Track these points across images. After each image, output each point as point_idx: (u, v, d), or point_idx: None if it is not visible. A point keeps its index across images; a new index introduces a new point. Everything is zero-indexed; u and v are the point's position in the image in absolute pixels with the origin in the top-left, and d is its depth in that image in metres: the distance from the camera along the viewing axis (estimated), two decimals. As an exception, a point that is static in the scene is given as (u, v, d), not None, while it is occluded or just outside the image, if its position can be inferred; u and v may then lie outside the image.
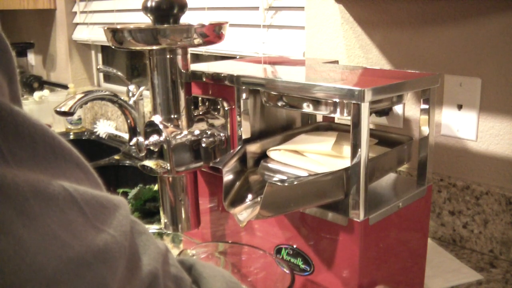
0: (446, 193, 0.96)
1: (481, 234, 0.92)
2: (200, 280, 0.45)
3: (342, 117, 0.67)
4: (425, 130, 0.73)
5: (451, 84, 0.94)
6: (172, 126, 0.75)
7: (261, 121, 0.78)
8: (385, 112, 0.99)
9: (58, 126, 1.90)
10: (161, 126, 0.74)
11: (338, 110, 0.65)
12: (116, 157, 1.59)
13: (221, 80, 0.75)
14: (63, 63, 2.17)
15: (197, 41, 0.73)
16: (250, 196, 0.70)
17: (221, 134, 0.77)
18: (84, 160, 0.34)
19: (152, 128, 0.74)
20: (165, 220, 0.80)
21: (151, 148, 0.74)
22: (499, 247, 0.90)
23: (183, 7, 0.73)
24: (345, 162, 0.67)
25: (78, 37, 2.08)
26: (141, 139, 0.74)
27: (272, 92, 0.72)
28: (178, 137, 0.74)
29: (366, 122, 0.60)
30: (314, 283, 0.69)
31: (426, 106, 0.72)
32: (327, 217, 0.66)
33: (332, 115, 0.67)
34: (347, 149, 0.69)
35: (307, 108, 0.69)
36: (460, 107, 0.94)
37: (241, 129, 0.74)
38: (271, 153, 0.74)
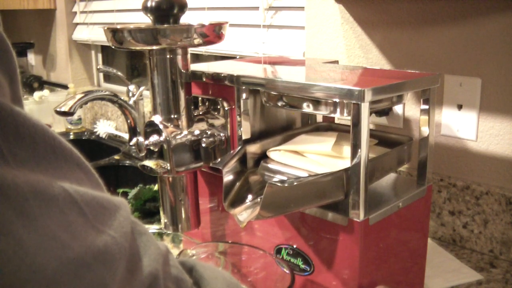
0: (446, 193, 0.96)
1: (481, 234, 0.92)
2: (201, 281, 0.45)
3: (342, 117, 0.67)
4: (425, 130, 0.73)
5: (451, 84, 0.94)
6: (172, 126, 0.75)
7: (261, 121, 0.78)
8: (385, 112, 0.99)
9: (58, 126, 1.90)
10: (161, 126, 0.74)
11: (338, 110, 0.65)
12: (116, 157, 1.59)
13: (221, 80, 0.75)
14: (63, 63, 2.17)
15: (197, 41, 0.73)
16: (250, 197, 0.70)
17: (221, 134, 0.77)
18: (85, 160, 0.34)
19: (152, 128, 0.74)
20: (165, 220, 0.80)
21: (151, 148, 0.74)
22: (499, 247, 0.90)
23: (183, 7, 0.73)
24: (345, 162, 0.67)
25: (78, 37, 2.08)
26: (141, 139, 0.74)
27: (272, 92, 0.72)
28: (178, 137, 0.74)
29: (366, 122, 0.60)
30: (314, 283, 0.69)
31: (426, 106, 0.72)
32: (327, 217, 0.66)
33: (332, 115, 0.67)
34: (347, 149, 0.69)
35: (307, 108, 0.69)
36: (460, 107, 0.94)
37: (241, 129, 0.74)
38: (271, 154, 0.74)
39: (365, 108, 0.59)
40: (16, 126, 0.29)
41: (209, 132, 0.76)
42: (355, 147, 0.61)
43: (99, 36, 1.92)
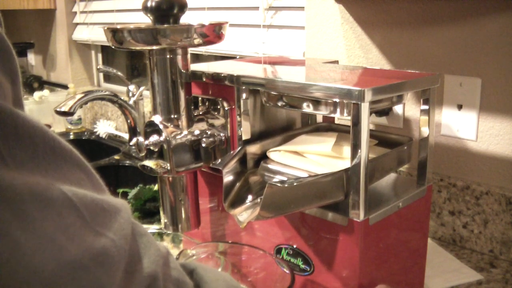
0: (446, 193, 0.96)
1: (481, 234, 0.92)
2: (202, 284, 0.45)
3: (342, 117, 0.67)
4: (425, 130, 0.73)
5: (451, 84, 0.94)
6: (172, 126, 0.75)
7: (261, 122, 0.78)
8: (385, 112, 0.99)
9: (58, 126, 1.90)
10: (161, 126, 0.74)
11: (338, 110, 0.65)
12: (116, 157, 1.59)
13: (221, 80, 0.75)
14: (63, 63, 2.17)
15: (197, 41, 0.73)
16: (250, 197, 0.70)
17: (221, 134, 0.77)
18: (85, 161, 0.34)
19: (152, 128, 0.74)
20: (165, 220, 0.80)
21: (151, 148, 0.74)
22: (499, 247, 0.90)
23: (183, 7, 0.73)
24: (345, 163, 0.67)
25: (78, 37, 2.08)
26: (141, 139, 0.74)
27: (272, 92, 0.72)
28: (178, 137, 0.74)
29: (366, 122, 0.60)
30: (314, 283, 0.69)
31: (426, 106, 0.72)
32: (327, 217, 0.66)
33: (332, 115, 0.67)
34: (347, 149, 0.69)
35: (307, 108, 0.69)
36: (460, 107, 0.94)
37: (241, 129, 0.74)
38: (271, 154, 0.74)
39: (365, 108, 0.59)
40: (16, 127, 0.29)
41: (209, 132, 0.76)
42: (355, 147, 0.61)
43: (99, 36, 1.92)
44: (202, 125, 0.78)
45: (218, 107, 0.76)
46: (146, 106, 1.45)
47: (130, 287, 0.34)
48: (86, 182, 0.33)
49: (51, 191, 0.30)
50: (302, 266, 0.70)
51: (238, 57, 1.32)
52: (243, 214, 0.68)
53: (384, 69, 0.99)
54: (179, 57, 0.74)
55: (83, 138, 1.86)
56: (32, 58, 2.36)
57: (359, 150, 0.61)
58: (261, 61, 0.91)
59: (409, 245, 0.74)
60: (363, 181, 0.61)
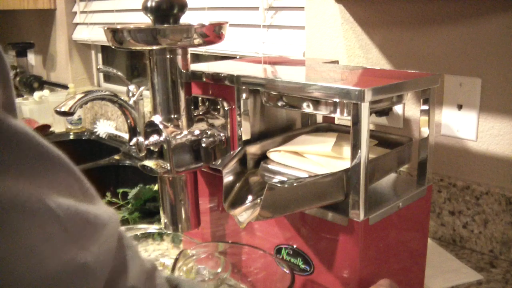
0: (446, 193, 0.96)
1: (481, 234, 0.92)
2: None
3: (342, 117, 0.67)
4: (425, 130, 0.73)
5: (451, 84, 0.94)
6: (172, 126, 0.75)
7: (261, 122, 0.78)
8: (385, 112, 0.99)
9: (58, 126, 1.90)
10: (161, 126, 0.74)
11: (338, 110, 0.65)
12: (116, 157, 1.58)
13: (221, 80, 0.74)
14: (63, 63, 2.17)
15: (197, 41, 0.73)
16: (250, 198, 0.70)
17: (221, 134, 0.77)
18: (74, 166, 0.33)
19: (152, 128, 0.74)
20: (165, 220, 0.80)
21: (151, 148, 0.74)
22: (499, 247, 0.90)
23: (183, 7, 0.73)
24: (345, 163, 0.67)
25: (78, 37, 2.07)
26: (141, 139, 0.74)
27: (272, 92, 0.72)
28: (178, 137, 0.74)
29: (366, 122, 0.60)
30: (314, 283, 0.69)
31: (426, 106, 0.72)
32: (327, 217, 0.66)
33: (332, 115, 0.67)
34: (347, 150, 0.69)
35: (307, 108, 0.69)
36: (460, 107, 0.94)
37: (241, 129, 0.74)
38: (271, 154, 0.74)
39: (365, 108, 0.59)
40: (0, 132, 0.28)
41: (209, 132, 0.76)
42: (355, 148, 0.61)
43: (99, 36, 1.92)
44: (202, 125, 0.78)
45: (218, 107, 0.76)
46: (146, 106, 1.45)
47: None
48: (75, 189, 0.33)
49: (34, 201, 0.29)
50: (302, 266, 0.70)
51: (238, 57, 1.32)
52: (243, 214, 0.68)
53: (384, 69, 0.99)
54: (179, 57, 0.74)
55: (83, 138, 1.86)
56: (32, 58, 2.36)
57: (359, 150, 0.61)
58: (261, 61, 0.91)
59: (409, 245, 0.74)
60: (363, 181, 0.61)
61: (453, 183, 0.95)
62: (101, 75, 2.16)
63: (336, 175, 0.63)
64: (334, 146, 0.71)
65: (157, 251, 0.93)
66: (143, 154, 0.75)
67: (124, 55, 2.04)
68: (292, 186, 0.61)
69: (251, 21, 1.32)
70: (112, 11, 1.84)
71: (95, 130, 1.80)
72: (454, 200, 0.95)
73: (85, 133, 1.88)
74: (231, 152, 0.75)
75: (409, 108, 1.01)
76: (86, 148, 1.81)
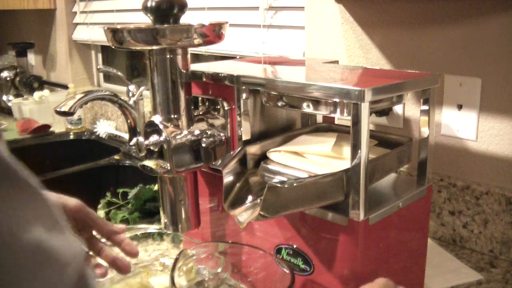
0: (446, 193, 0.96)
1: (481, 234, 0.92)
2: None
3: (342, 117, 0.67)
4: (425, 130, 0.73)
5: (451, 84, 0.94)
6: (172, 126, 0.75)
7: (261, 122, 0.78)
8: (385, 112, 0.99)
9: (58, 126, 1.90)
10: (161, 126, 0.74)
11: (338, 110, 0.65)
12: (116, 157, 1.58)
13: (221, 80, 0.74)
14: (63, 63, 2.17)
15: (197, 41, 0.73)
16: (250, 198, 0.70)
17: (221, 134, 0.77)
18: (43, 190, 0.32)
19: (152, 128, 0.74)
20: (165, 220, 0.80)
21: (151, 148, 0.74)
22: (499, 247, 0.90)
23: (183, 7, 0.73)
24: (345, 163, 0.67)
25: (78, 37, 2.08)
26: (141, 139, 0.74)
27: (272, 92, 0.72)
28: (178, 137, 0.74)
29: (366, 122, 0.60)
30: (314, 283, 0.69)
31: (426, 106, 0.72)
32: (327, 217, 0.66)
33: (332, 115, 0.67)
34: (347, 150, 0.69)
35: (307, 108, 0.69)
36: (460, 107, 0.94)
37: (241, 129, 0.74)
38: (271, 155, 0.74)
39: (365, 108, 0.59)
40: None
41: (209, 132, 0.76)
42: (355, 148, 0.61)
43: (99, 36, 1.92)
44: (202, 125, 0.78)
45: (218, 107, 0.76)
46: (146, 106, 1.45)
47: None
48: (43, 216, 0.31)
49: (6, 233, 0.28)
50: (302, 266, 0.70)
51: (238, 57, 1.32)
52: (243, 214, 0.68)
53: (384, 69, 0.99)
54: (179, 57, 0.74)
55: (83, 138, 1.86)
56: (32, 58, 2.36)
57: (359, 150, 0.61)
58: (261, 61, 0.91)
59: (409, 245, 0.74)
60: (363, 182, 0.61)
61: (453, 183, 0.95)
62: (101, 75, 2.16)
63: (336, 175, 0.63)
64: (334, 146, 0.71)
65: (157, 251, 0.93)
66: (143, 154, 0.75)
67: (124, 55, 2.04)
68: (292, 186, 0.61)
69: (251, 21, 1.32)
70: (112, 11, 1.84)
71: (95, 130, 1.80)
72: (454, 200, 0.95)
73: (85, 133, 1.88)
74: (231, 152, 0.75)
75: (409, 108, 1.01)
76: (86, 148, 1.81)
